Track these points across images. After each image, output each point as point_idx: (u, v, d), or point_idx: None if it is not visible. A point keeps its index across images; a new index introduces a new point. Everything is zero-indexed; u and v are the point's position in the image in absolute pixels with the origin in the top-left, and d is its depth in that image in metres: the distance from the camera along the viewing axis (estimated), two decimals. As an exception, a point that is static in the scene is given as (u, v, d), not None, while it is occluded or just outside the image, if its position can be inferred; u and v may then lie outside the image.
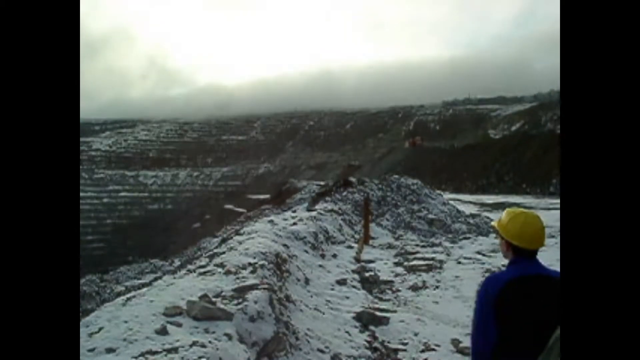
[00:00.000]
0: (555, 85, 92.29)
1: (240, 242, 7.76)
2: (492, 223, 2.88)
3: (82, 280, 22.87)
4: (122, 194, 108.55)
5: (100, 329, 3.97)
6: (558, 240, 8.90)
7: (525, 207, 2.91)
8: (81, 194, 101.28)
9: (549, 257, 3.06)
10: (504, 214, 2.69)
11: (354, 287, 8.26)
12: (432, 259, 10.51)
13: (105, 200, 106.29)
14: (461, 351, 5.74)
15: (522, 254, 2.55)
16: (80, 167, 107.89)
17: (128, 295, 5.17)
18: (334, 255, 10.27)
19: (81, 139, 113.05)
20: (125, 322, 4.06)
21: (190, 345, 3.69)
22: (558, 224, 9.67)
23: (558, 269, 2.18)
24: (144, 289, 5.50)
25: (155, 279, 8.11)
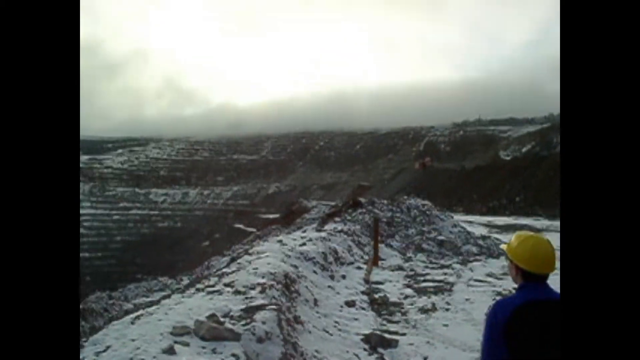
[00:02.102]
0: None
1: (249, 262, 7.75)
2: (502, 246, 2.86)
3: (91, 297, 22.92)
4: (133, 211, 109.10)
5: (108, 347, 3.97)
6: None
7: (537, 230, 2.90)
8: (92, 211, 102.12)
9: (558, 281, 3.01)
10: (513, 238, 2.67)
11: (362, 308, 8.19)
12: (442, 281, 10.40)
13: (115, 217, 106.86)
14: (471, 376, 5.64)
15: (531, 279, 2.52)
16: (93, 184, 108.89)
17: (136, 314, 5.17)
18: (343, 276, 10.21)
19: (94, 157, 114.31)
20: (133, 340, 4.05)
21: (198, 366, 3.66)
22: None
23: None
24: (153, 308, 5.50)
25: (164, 297, 8.10)
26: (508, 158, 74.74)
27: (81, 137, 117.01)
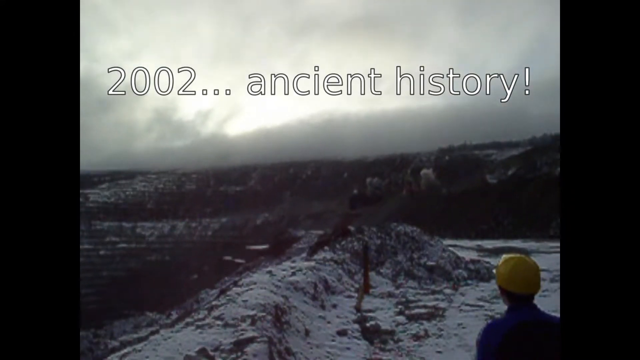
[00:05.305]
0: (550, 129, 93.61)
1: (238, 294, 7.65)
2: (494, 270, 2.87)
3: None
4: (120, 245, 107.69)
5: (94, 387, 3.86)
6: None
7: (525, 252, 2.90)
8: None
9: (552, 302, 3.00)
10: (500, 260, 2.69)
11: (355, 337, 8.09)
12: (434, 306, 10.34)
13: (102, 252, 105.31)
14: (467, 403, 5.56)
15: (517, 300, 2.52)
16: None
17: (123, 352, 5.04)
18: (334, 306, 10.11)
19: (79, 191, 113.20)
20: (120, 379, 3.95)
21: (187, 403, 3.57)
22: (559, 267, 9.55)
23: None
24: (140, 344, 5.37)
25: (152, 333, 7.95)
26: (494, 181, 75.38)
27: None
